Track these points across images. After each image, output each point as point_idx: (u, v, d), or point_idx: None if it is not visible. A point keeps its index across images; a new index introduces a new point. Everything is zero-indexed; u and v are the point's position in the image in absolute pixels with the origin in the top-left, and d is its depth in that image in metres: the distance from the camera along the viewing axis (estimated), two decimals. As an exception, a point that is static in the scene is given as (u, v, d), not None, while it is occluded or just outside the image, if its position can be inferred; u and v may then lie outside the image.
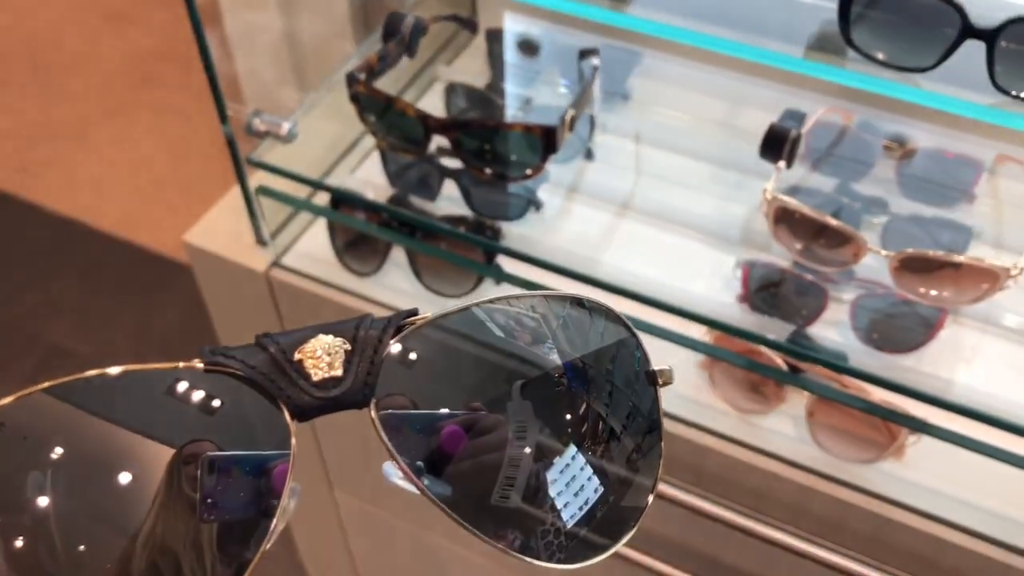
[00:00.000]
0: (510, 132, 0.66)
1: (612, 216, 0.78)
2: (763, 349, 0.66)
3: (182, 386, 0.28)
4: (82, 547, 0.25)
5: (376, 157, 0.81)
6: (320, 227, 0.79)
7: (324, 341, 0.29)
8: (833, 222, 0.59)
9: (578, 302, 0.32)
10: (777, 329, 0.68)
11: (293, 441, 0.28)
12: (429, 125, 0.66)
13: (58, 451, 0.26)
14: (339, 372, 0.29)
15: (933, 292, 0.59)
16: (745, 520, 0.65)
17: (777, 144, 0.63)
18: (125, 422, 0.27)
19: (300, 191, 0.77)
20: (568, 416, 0.31)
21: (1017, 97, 0.53)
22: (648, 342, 0.66)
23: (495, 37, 0.87)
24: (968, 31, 0.50)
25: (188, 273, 1.93)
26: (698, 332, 0.67)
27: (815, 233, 0.61)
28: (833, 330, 0.69)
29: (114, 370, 0.27)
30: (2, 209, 2.01)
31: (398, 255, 0.76)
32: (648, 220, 0.77)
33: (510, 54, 0.88)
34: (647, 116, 0.84)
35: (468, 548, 0.92)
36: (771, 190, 0.61)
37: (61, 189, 2.05)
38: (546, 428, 0.30)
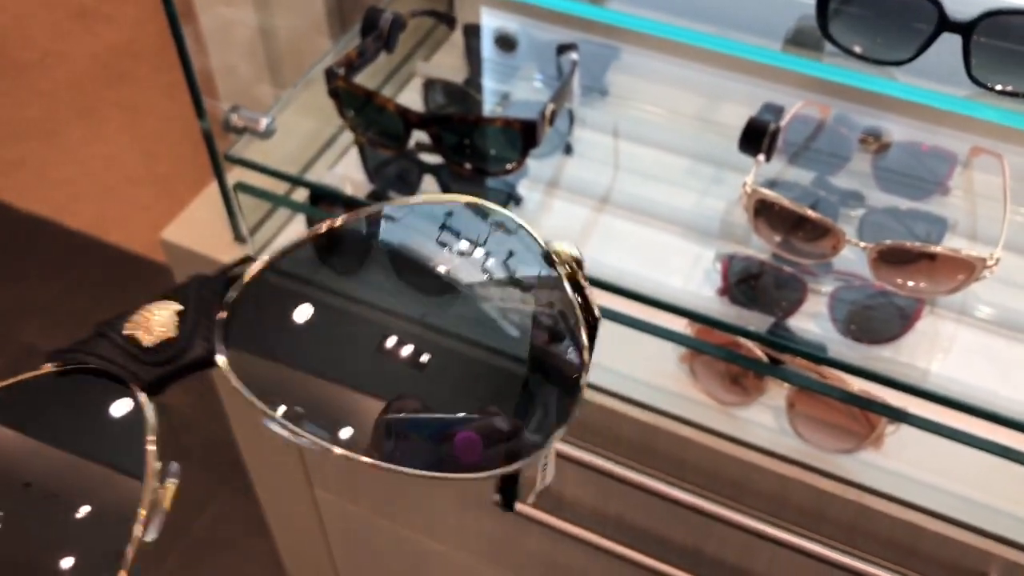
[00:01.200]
0: (490, 127, 0.66)
1: (591, 211, 0.78)
2: (743, 341, 0.66)
3: (44, 391, 0.27)
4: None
5: (354, 153, 0.80)
6: (299, 224, 0.79)
7: (151, 309, 0.29)
8: (812, 214, 0.60)
9: (437, 209, 0.31)
10: (757, 321, 0.69)
11: (150, 416, 0.27)
12: (409, 120, 0.66)
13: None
14: (173, 333, 0.28)
15: (910, 283, 0.60)
16: (726, 511, 0.66)
17: (756, 138, 0.64)
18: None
19: (278, 187, 0.76)
20: (466, 313, 0.30)
21: (992, 89, 0.54)
22: (629, 335, 0.66)
23: (472, 32, 0.87)
24: (944, 24, 0.51)
25: (162, 272, 1.91)
26: (679, 325, 0.67)
27: (794, 226, 0.61)
28: (812, 322, 0.69)
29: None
30: (-29, 209, 1.99)
31: (378, 251, 0.76)
32: (627, 215, 0.77)
33: (488, 50, 0.88)
34: (625, 111, 0.84)
35: (445, 543, 0.92)
36: (751, 183, 0.62)
37: (32, 188, 2.02)
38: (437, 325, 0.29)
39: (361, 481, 0.92)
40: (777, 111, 0.68)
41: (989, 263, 0.57)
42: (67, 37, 2.36)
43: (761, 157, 0.64)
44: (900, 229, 0.72)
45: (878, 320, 0.68)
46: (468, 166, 0.68)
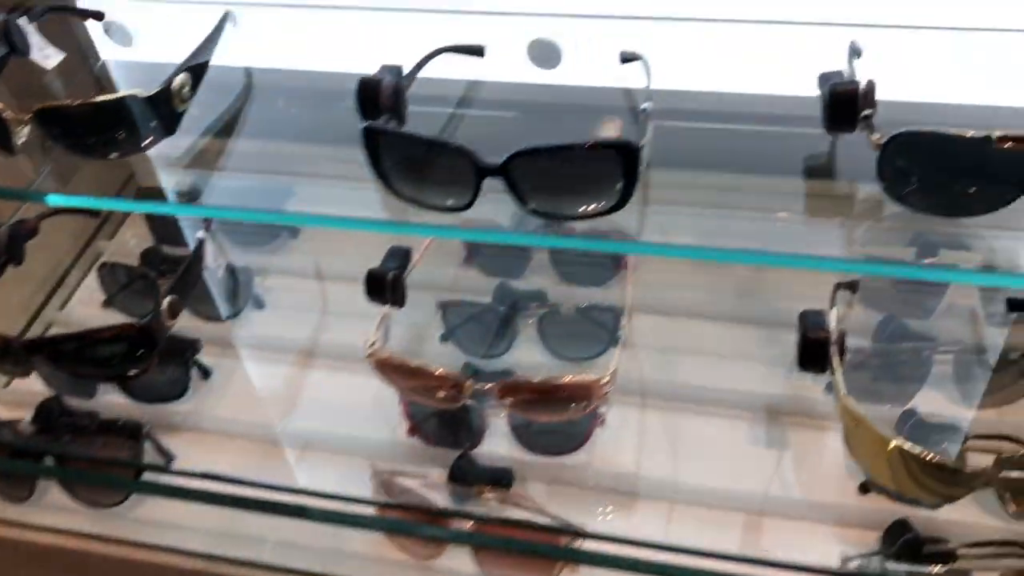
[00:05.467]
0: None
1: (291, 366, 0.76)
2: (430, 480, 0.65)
3: None
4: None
5: None
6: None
7: None
8: (428, 368, 0.58)
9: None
10: (443, 456, 0.67)
11: None
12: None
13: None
14: None
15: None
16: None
17: (379, 288, 0.62)
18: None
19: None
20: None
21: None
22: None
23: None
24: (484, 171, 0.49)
25: None
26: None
27: (416, 377, 0.60)
28: (506, 442, 0.68)
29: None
30: None
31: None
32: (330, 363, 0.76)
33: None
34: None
35: None
36: (374, 336, 0.60)
37: None
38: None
39: None
40: (404, 254, 0.65)
41: (603, 381, 0.56)
42: None
43: (387, 308, 0.62)
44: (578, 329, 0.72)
45: (558, 434, 0.66)
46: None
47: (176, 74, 0.59)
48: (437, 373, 0.57)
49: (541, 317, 0.73)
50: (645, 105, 0.54)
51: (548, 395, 0.56)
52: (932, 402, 0.66)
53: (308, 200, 0.82)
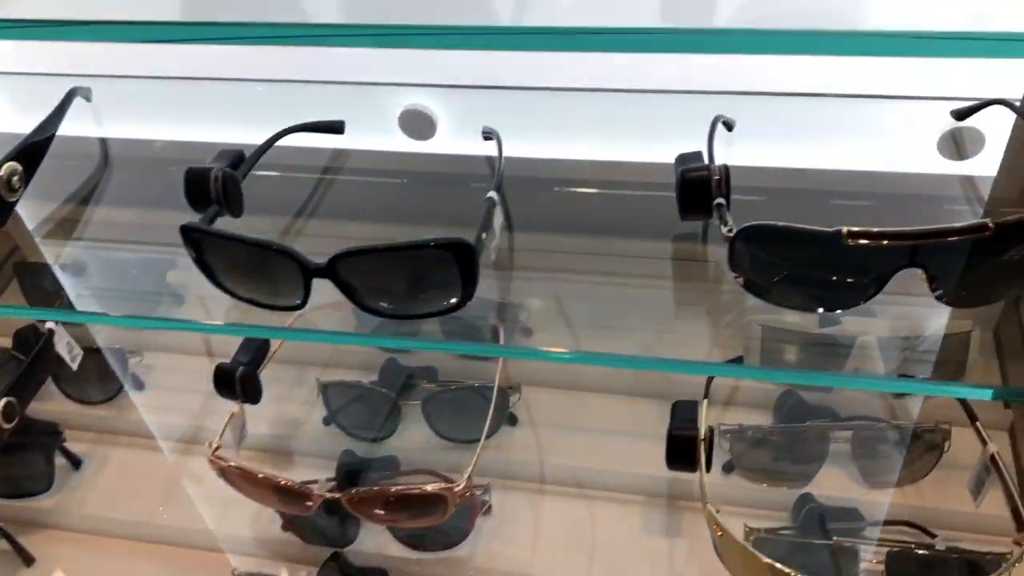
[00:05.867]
0: None
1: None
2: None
3: None
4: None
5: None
6: None
7: None
8: (275, 479, 0.54)
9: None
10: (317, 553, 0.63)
11: None
12: None
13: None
14: None
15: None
16: None
17: (228, 384, 0.58)
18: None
19: None
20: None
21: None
22: None
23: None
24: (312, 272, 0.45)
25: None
26: None
27: (261, 485, 0.55)
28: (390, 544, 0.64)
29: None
30: None
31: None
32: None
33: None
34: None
35: None
36: (216, 442, 0.56)
37: None
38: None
39: None
40: (259, 347, 0.61)
41: (457, 488, 0.51)
42: None
43: (238, 406, 0.58)
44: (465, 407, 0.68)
45: (437, 528, 0.62)
46: None
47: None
48: (283, 484, 0.53)
49: (428, 397, 0.69)
50: (490, 194, 0.50)
51: (403, 504, 0.52)
52: (833, 482, 0.63)
53: (190, 270, 0.79)
